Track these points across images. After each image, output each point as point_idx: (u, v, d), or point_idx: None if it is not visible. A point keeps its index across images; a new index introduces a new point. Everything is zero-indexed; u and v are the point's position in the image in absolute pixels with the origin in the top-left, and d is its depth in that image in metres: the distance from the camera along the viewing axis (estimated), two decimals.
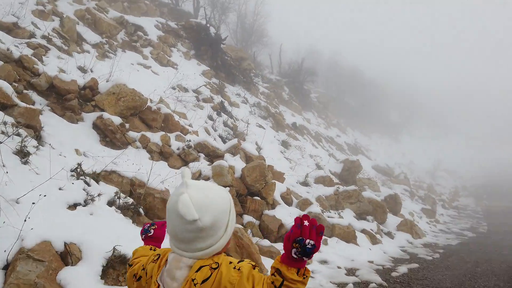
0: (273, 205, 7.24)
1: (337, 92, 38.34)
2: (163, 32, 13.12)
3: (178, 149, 6.96)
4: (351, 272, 6.21)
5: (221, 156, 7.40)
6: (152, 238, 1.66)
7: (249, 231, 6.23)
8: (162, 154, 6.66)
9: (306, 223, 1.20)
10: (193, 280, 1.25)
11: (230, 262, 1.29)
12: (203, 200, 1.26)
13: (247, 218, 6.47)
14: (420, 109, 56.73)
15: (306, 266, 1.24)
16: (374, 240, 8.27)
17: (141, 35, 11.83)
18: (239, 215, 6.48)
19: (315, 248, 1.18)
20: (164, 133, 6.94)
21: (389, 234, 9.57)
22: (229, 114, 10.82)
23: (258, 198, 6.84)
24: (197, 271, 1.26)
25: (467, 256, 8.42)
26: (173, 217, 1.27)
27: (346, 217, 8.86)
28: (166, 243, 1.49)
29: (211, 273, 1.25)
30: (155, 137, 6.73)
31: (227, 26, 24.54)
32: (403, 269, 6.64)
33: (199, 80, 11.68)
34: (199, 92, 10.73)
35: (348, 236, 7.66)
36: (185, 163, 6.93)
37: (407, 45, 77.19)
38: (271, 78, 20.63)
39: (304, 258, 1.19)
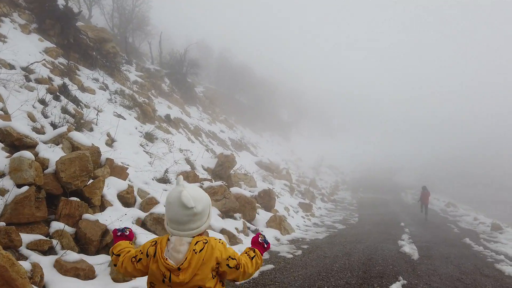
0: (102, 207, 5.77)
1: (228, 89, 37.94)
2: None
3: None
4: None
5: (32, 146, 5.66)
6: (126, 237, 2.24)
7: (55, 242, 4.69)
8: None
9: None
10: (194, 250, 1.88)
11: (215, 239, 1.99)
12: (196, 195, 1.94)
13: (56, 225, 4.90)
14: (308, 110, 60.11)
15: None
16: (233, 241, 7.39)
17: None
18: (44, 221, 4.88)
19: (269, 243, 2.25)
20: None
21: (255, 232, 8.84)
22: (73, 99, 8.91)
23: (76, 199, 5.30)
24: (195, 244, 1.90)
25: (329, 250, 8.12)
26: (175, 206, 1.91)
27: None
28: None
29: (204, 245, 1.91)
30: None
31: (102, 10, 21.87)
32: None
33: (37, 57, 9.48)
34: (31, 70, 8.60)
35: None
36: None
37: (298, 49, 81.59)
38: (149, 68, 18.82)
39: (265, 244, 2.22)
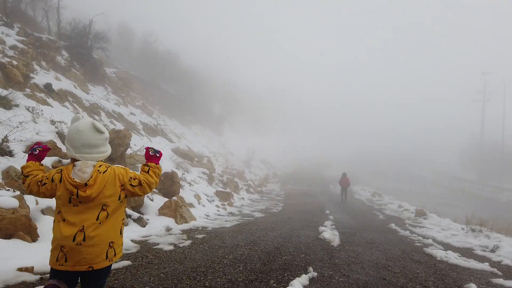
0: None
1: (153, 77, 34.94)
2: None
3: None
4: None
5: None
6: (36, 156, 2.34)
7: None
8: None
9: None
10: (98, 170, 2.18)
11: (117, 166, 2.35)
12: (101, 124, 2.29)
13: None
14: (242, 105, 58.78)
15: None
16: None
17: None
18: None
19: (160, 152, 2.56)
20: None
21: (140, 221, 6.78)
22: None
23: None
24: (99, 167, 2.20)
25: (230, 239, 6.35)
26: (88, 132, 2.20)
27: None
28: None
29: (107, 168, 2.24)
30: None
31: None
32: None
33: None
34: None
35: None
36: None
37: (233, 41, 79.82)
38: (40, 36, 15.65)
39: (157, 154, 2.51)
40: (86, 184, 2.10)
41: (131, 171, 2.34)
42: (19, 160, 6.01)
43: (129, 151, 11.06)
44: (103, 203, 2.15)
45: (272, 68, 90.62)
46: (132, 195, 2.33)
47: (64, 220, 2.11)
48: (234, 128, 56.13)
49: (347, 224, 10.68)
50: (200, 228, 7.53)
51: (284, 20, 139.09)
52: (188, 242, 5.80)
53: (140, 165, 9.98)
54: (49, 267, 2.20)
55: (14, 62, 10.05)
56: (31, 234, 4.13)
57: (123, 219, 2.34)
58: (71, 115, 10.73)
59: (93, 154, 2.21)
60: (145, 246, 5.39)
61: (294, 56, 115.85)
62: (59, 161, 6.34)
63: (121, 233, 2.30)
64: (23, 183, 2.26)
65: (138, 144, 13.31)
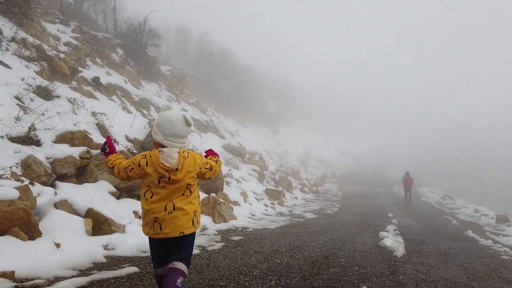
0: None
1: (208, 75, 35.11)
2: None
3: None
4: None
5: None
6: (109, 152, 2.67)
7: None
8: None
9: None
10: (184, 156, 2.48)
11: (193, 151, 2.64)
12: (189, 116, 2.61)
13: None
14: (298, 103, 57.54)
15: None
16: (106, 228, 4.64)
17: None
18: None
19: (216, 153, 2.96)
20: None
21: None
22: None
23: None
24: (183, 153, 2.50)
25: (270, 243, 5.44)
26: (179, 124, 2.49)
27: (92, 193, 5.20)
28: None
29: (189, 154, 2.54)
30: None
31: None
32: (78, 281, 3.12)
33: None
34: None
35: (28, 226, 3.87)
36: None
37: (288, 39, 78.78)
38: (96, 34, 15.99)
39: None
40: (176, 169, 2.41)
41: (203, 157, 2.76)
42: (46, 149, 5.63)
43: None
44: (187, 183, 2.49)
45: (332, 65, 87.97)
46: (202, 176, 2.67)
47: (152, 196, 2.44)
48: (290, 126, 55.00)
49: (414, 230, 9.21)
50: (239, 229, 6.70)
51: (345, 18, 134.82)
52: (219, 245, 4.99)
53: None
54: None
55: (62, 55, 10.05)
56: (30, 231, 3.58)
57: (198, 193, 2.67)
58: (116, 108, 10.55)
59: (179, 144, 2.50)
60: None
61: (354, 54, 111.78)
62: (87, 152, 5.88)
63: (199, 203, 2.64)
64: (113, 174, 2.60)
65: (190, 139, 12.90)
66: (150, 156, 2.43)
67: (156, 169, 2.39)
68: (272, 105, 50.97)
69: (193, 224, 2.51)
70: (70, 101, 8.25)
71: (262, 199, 11.64)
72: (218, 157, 2.92)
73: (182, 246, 2.51)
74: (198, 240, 5.19)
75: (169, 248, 2.53)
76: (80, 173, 5.79)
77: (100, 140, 7.08)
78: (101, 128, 8.06)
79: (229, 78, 38.98)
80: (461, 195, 25.67)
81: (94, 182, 5.68)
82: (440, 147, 65.53)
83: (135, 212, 5.50)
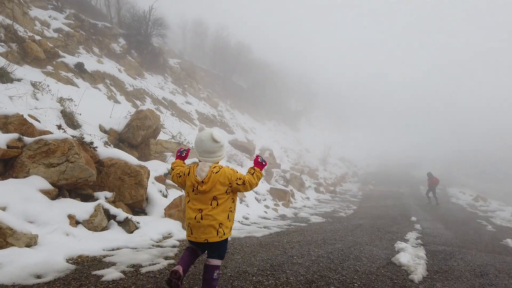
0: None
1: (224, 71, 34.01)
2: None
3: None
4: None
5: None
6: (183, 157, 3.24)
7: None
8: None
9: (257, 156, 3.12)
10: (212, 171, 2.81)
11: (227, 167, 2.93)
12: (220, 135, 2.93)
13: None
14: (320, 99, 55.59)
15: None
16: (3, 241, 3.43)
17: None
18: None
19: (266, 162, 3.11)
20: None
21: (126, 224, 4.87)
22: None
23: None
24: (213, 168, 2.84)
25: (239, 260, 4.09)
26: (208, 141, 2.86)
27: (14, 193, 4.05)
28: None
29: (220, 169, 2.84)
30: None
31: None
32: None
33: None
34: None
35: None
36: None
37: (308, 32, 76.61)
38: (96, 23, 15.08)
39: (263, 163, 3.06)
40: (202, 182, 2.81)
41: (238, 172, 2.97)
42: None
43: (164, 137, 9.44)
44: (214, 195, 2.83)
45: (356, 62, 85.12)
46: (236, 190, 2.95)
47: (189, 202, 2.90)
48: (311, 124, 53.21)
49: (440, 238, 7.63)
50: None
51: (370, 11, 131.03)
52: (162, 265, 3.66)
53: (169, 153, 8.28)
54: None
55: (37, 37, 9.05)
56: None
57: (231, 207, 2.94)
58: (100, 97, 9.49)
59: (211, 158, 2.90)
60: (85, 269, 3.37)
61: (381, 50, 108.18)
62: (19, 139, 4.72)
63: (228, 218, 2.91)
64: (171, 176, 3.12)
65: (186, 133, 11.77)
66: (192, 168, 2.89)
67: (191, 179, 2.84)
68: (293, 102, 49.38)
69: (217, 234, 2.82)
70: (33, 85, 7.19)
71: (264, 200, 10.30)
72: (263, 166, 3.12)
73: (211, 249, 2.91)
74: (141, 256, 3.90)
75: (201, 245, 2.93)
76: (9, 165, 4.64)
77: (53, 129, 5.97)
78: (67, 116, 6.95)
79: (246, 73, 37.78)
80: (494, 196, 23.35)
81: (24, 177, 4.52)
82: (470, 147, 61.99)
83: (71, 217, 4.29)
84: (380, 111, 79.74)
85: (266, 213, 9.04)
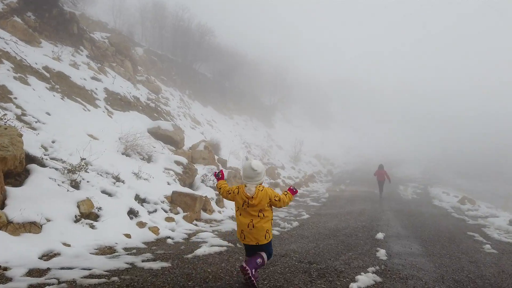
0: None
1: (185, 56, 30.27)
2: None
3: None
4: None
5: None
6: (221, 178, 4.13)
7: None
8: None
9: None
10: (259, 189, 3.76)
11: (268, 187, 3.95)
12: (258, 164, 3.88)
13: None
14: (296, 94, 52.26)
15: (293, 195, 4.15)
16: None
17: None
18: None
19: (297, 190, 4.19)
20: None
21: None
22: None
23: None
24: (259, 187, 3.79)
25: None
26: (248, 169, 3.83)
27: None
28: None
29: (263, 188, 3.80)
30: None
31: None
32: None
33: None
34: None
35: None
36: None
37: (285, 23, 73.08)
38: None
39: (294, 190, 4.14)
40: (252, 197, 3.72)
41: (276, 192, 3.96)
42: None
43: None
44: (260, 208, 3.75)
45: (338, 57, 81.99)
46: (274, 205, 3.88)
47: (241, 214, 3.81)
48: (289, 121, 49.88)
49: (417, 276, 4.18)
50: None
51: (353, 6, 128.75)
52: None
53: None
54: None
55: None
56: None
57: (272, 217, 3.94)
58: None
59: (252, 182, 3.78)
60: None
61: (364, 45, 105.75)
62: None
63: (271, 224, 3.91)
64: (219, 193, 4.15)
65: (74, 119, 8.14)
66: (240, 188, 3.82)
67: (241, 196, 3.77)
68: (267, 96, 45.85)
69: (265, 238, 3.78)
70: None
71: (154, 211, 6.70)
72: (295, 193, 4.11)
73: (261, 249, 3.86)
74: None
75: (253, 248, 3.85)
76: None
77: None
78: None
79: (212, 62, 34.11)
80: (480, 197, 20.24)
81: None
82: (454, 144, 59.87)
83: None
84: (362, 109, 77.10)
85: (130, 237, 5.43)
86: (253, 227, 3.68)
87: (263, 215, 3.73)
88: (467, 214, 13.57)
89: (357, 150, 53.44)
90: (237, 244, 5.76)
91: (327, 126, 61.58)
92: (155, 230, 5.83)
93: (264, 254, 3.81)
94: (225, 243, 5.73)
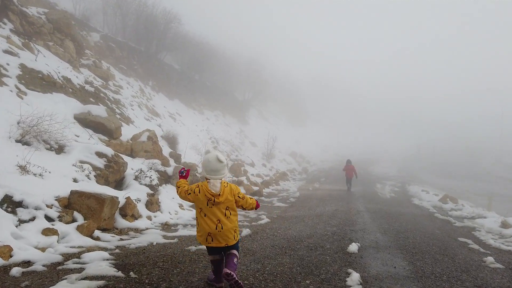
0: None
1: (148, 45, 27.89)
2: None
3: None
4: None
5: None
6: (184, 176, 3.80)
7: None
8: None
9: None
10: (224, 185, 3.48)
11: (231, 183, 3.66)
12: (223, 156, 3.59)
13: None
14: (272, 91, 50.43)
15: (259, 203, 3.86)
16: None
17: None
18: None
19: (258, 204, 3.85)
20: None
21: None
22: None
23: None
24: (223, 183, 3.50)
25: None
26: (214, 162, 3.47)
27: None
28: None
29: (228, 184, 3.56)
30: None
31: None
32: None
33: None
34: None
35: None
36: None
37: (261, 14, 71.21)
38: None
39: (258, 204, 3.82)
40: (218, 194, 3.43)
41: (239, 189, 3.71)
42: None
43: None
44: (227, 205, 3.49)
45: (316, 55, 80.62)
46: (237, 203, 3.63)
47: (205, 215, 3.44)
48: (264, 118, 48.02)
49: None
50: None
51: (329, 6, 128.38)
52: None
53: None
54: None
55: None
56: None
57: (235, 211, 3.61)
58: None
59: (217, 176, 3.48)
60: None
61: (340, 46, 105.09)
62: None
63: (237, 222, 3.60)
64: (177, 192, 3.73)
65: None
66: (202, 186, 3.47)
67: (205, 194, 3.42)
68: (241, 91, 43.78)
69: (234, 238, 3.50)
70: None
71: (30, 220, 4.62)
72: (257, 206, 3.81)
73: (229, 249, 3.53)
74: None
75: (219, 249, 3.55)
76: None
77: None
78: None
79: (180, 52, 31.81)
80: (460, 195, 18.93)
81: None
82: (430, 141, 59.74)
83: None
84: (343, 107, 76.33)
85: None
86: (222, 228, 3.43)
87: (230, 213, 3.52)
88: (451, 215, 12.04)
89: (334, 149, 52.36)
90: (131, 274, 3.74)
91: (304, 124, 60.22)
92: (3, 252, 3.72)
93: (236, 252, 3.56)
94: (113, 272, 3.69)
